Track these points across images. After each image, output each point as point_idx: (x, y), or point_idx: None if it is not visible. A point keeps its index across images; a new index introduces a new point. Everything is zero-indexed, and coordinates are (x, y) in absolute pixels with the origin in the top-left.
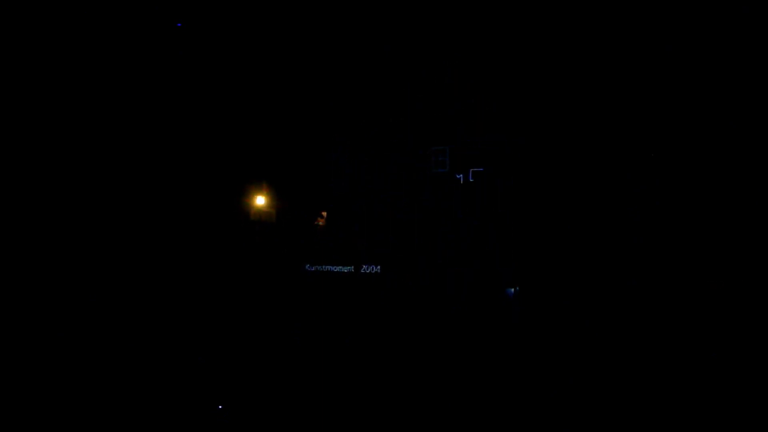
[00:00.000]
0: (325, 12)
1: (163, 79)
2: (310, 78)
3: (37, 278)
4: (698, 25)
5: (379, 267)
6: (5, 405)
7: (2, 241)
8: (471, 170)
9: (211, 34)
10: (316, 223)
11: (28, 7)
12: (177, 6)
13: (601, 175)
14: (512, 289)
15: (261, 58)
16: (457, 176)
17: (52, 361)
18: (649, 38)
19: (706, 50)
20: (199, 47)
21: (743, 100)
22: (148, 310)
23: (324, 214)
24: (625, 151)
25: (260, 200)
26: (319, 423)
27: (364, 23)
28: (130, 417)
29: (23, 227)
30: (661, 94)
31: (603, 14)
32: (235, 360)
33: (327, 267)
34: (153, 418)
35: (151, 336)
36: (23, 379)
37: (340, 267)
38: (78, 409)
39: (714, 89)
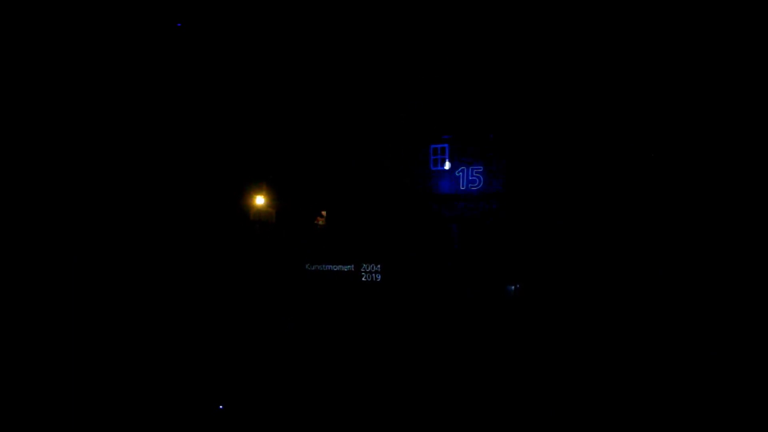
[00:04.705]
0: (324, 14)
1: (164, 79)
2: (310, 79)
3: (39, 278)
4: (698, 25)
5: (379, 266)
6: (5, 405)
7: (3, 242)
8: (471, 168)
9: (210, 34)
10: (316, 222)
11: (28, 7)
12: (177, 6)
13: (602, 175)
14: (513, 287)
15: (261, 58)
16: (457, 174)
17: (54, 361)
18: (649, 38)
19: (705, 50)
20: (199, 47)
21: (743, 100)
22: (148, 308)
23: (324, 213)
24: (625, 152)
25: (260, 200)
26: (320, 421)
27: (362, 25)
28: (131, 415)
29: (25, 228)
30: (661, 94)
31: (603, 15)
32: (235, 358)
33: (327, 266)
34: (153, 416)
35: (152, 333)
36: (24, 378)
37: (340, 266)
38: (78, 409)
39: (714, 89)
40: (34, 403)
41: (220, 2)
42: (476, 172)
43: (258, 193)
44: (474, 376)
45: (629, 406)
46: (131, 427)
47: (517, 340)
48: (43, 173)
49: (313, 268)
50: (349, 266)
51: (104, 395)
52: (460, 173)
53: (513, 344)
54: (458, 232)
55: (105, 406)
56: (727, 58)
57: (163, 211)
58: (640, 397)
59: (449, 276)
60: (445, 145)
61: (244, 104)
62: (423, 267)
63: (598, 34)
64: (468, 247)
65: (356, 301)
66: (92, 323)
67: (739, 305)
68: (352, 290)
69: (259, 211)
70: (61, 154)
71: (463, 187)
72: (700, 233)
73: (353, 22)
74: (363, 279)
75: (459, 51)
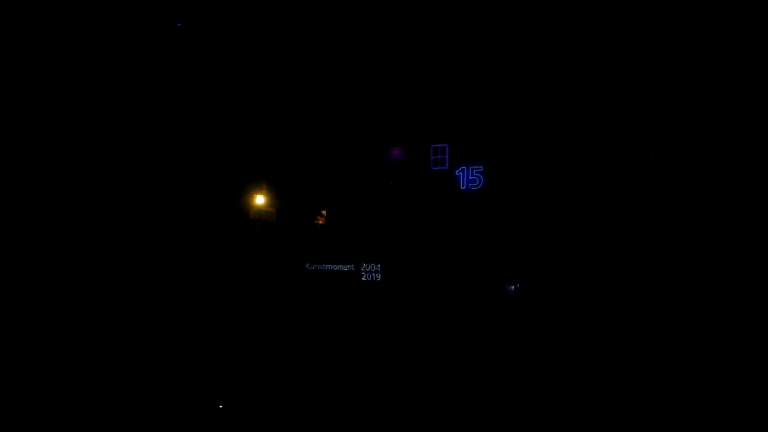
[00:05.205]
0: (324, 15)
1: (164, 79)
2: (310, 79)
3: (38, 278)
4: (698, 25)
5: (379, 265)
6: (5, 405)
7: (3, 242)
8: (471, 168)
9: (210, 34)
10: (316, 222)
11: (28, 7)
12: (177, 6)
13: (602, 175)
14: (512, 287)
15: (261, 59)
16: (457, 173)
17: (54, 360)
18: (649, 38)
19: (704, 50)
20: (199, 47)
21: (742, 100)
22: (149, 308)
23: (324, 213)
24: (626, 152)
25: (260, 200)
26: (320, 420)
27: (362, 25)
28: (131, 414)
29: (25, 228)
30: (662, 94)
31: (603, 15)
32: (235, 357)
33: (327, 266)
34: (153, 415)
35: (153, 332)
36: (24, 378)
37: (340, 266)
38: (78, 408)
39: (714, 89)
40: (35, 403)
41: (220, 2)
42: (476, 172)
43: (258, 192)
44: (474, 376)
45: (629, 405)
46: (131, 427)
47: (517, 340)
48: (43, 173)
49: (313, 268)
50: (349, 266)
51: (104, 395)
52: (460, 173)
53: (513, 344)
54: (458, 232)
55: (105, 405)
56: (726, 57)
57: (164, 210)
58: (639, 397)
59: (449, 276)
60: (445, 145)
61: (245, 104)
62: (423, 267)
63: (600, 34)
64: (468, 247)
65: (356, 301)
66: (92, 323)
67: (739, 305)
68: (352, 290)
69: (259, 211)
70: (62, 154)
71: (463, 186)
72: (701, 233)
73: (354, 22)
74: (363, 279)
75: (460, 51)
